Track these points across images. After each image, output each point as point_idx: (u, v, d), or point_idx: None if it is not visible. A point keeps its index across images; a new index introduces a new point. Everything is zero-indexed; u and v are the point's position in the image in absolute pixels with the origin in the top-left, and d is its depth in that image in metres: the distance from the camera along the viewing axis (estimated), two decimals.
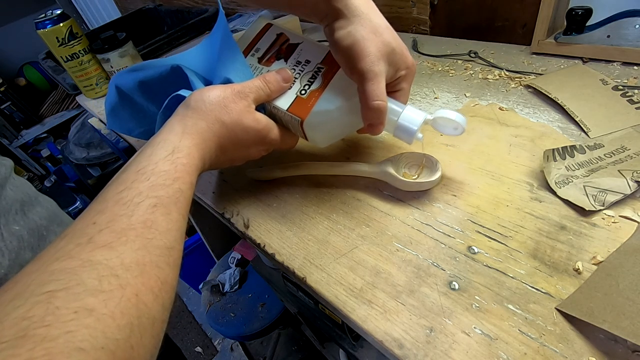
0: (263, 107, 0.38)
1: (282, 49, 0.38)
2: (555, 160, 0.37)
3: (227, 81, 0.36)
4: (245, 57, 0.39)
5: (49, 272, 0.19)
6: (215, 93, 0.33)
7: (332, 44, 0.34)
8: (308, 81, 0.36)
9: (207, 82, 0.38)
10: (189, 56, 0.39)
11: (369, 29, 0.31)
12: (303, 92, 0.36)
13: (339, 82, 0.35)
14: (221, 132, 0.32)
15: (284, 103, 0.36)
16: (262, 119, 0.35)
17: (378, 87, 0.31)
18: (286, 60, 0.38)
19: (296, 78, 0.37)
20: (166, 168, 0.27)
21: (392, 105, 0.35)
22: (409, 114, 0.34)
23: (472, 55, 0.59)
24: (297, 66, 0.37)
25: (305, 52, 0.38)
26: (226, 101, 0.33)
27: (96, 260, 0.20)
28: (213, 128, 0.32)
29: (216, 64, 0.37)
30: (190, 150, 0.30)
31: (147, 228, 0.24)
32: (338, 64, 0.35)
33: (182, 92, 0.35)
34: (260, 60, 0.39)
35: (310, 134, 0.36)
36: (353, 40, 0.31)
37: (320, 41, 0.39)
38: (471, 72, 0.56)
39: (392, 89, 0.36)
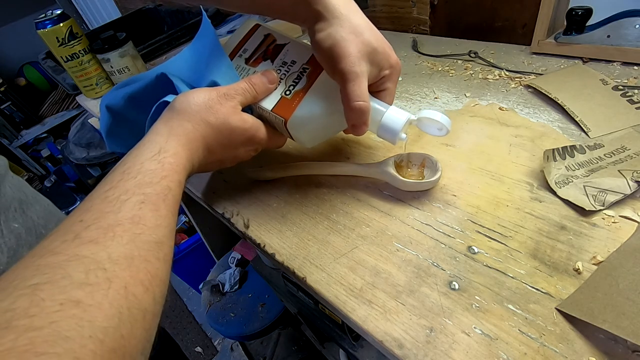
0: (250, 108, 0.38)
1: (269, 50, 0.39)
2: (555, 160, 0.37)
3: (214, 84, 0.36)
4: (233, 58, 0.40)
5: (34, 267, 0.19)
6: (200, 95, 0.33)
7: (313, 46, 0.34)
8: (293, 82, 0.36)
9: (193, 87, 0.38)
10: (174, 64, 0.38)
11: (349, 29, 0.31)
12: (288, 92, 0.36)
13: (323, 83, 0.35)
14: (207, 132, 0.32)
15: (268, 104, 0.36)
16: (249, 118, 0.35)
17: (359, 88, 0.31)
18: (272, 61, 0.38)
19: (281, 79, 0.37)
20: (153, 167, 0.27)
21: (376, 105, 0.35)
22: (393, 114, 0.34)
23: (472, 55, 0.59)
24: (282, 67, 0.37)
25: (291, 53, 0.38)
26: (212, 102, 0.33)
27: (82, 254, 0.20)
28: (199, 129, 0.32)
29: (203, 69, 0.37)
30: (176, 150, 0.30)
31: (135, 224, 0.24)
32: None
33: (168, 97, 0.35)
34: (247, 61, 0.39)
35: (295, 134, 0.37)
36: (333, 42, 0.31)
37: None
38: (471, 72, 0.56)
39: (377, 89, 0.36)
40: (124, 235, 0.23)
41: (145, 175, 0.27)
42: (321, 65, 0.35)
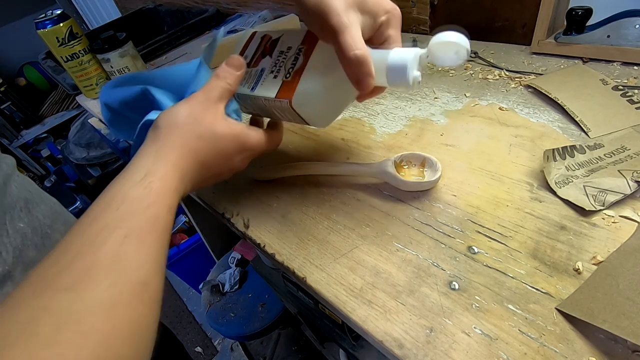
0: (253, 108, 0.38)
1: (267, 47, 0.39)
2: (555, 160, 0.37)
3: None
4: None
5: (2, 323, 0.18)
6: (182, 108, 0.31)
7: (301, 13, 0.32)
8: (291, 64, 0.35)
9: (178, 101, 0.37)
10: (161, 75, 0.37)
11: None
12: (288, 75, 0.35)
13: (320, 54, 0.34)
14: (199, 146, 0.31)
15: (271, 92, 0.35)
16: (235, 124, 0.33)
17: (352, 38, 0.29)
18: (271, 55, 0.38)
19: (281, 66, 0.36)
20: (138, 194, 0.25)
21: (378, 53, 0.31)
22: (398, 52, 0.30)
23: (472, 55, 0.59)
24: (280, 56, 0.37)
25: (286, 41, 0.37)
26: (195, 112, 0.31)
27: (54, 306, 0.19)
28: (189, 143, 0.30)
29: (188, 83, 0.36)
30: (165, 171, 0.27)
31: (116, 263, 0.21)
32: (317, 38, 0.34)
33: (151, 115, 0.34)
34: (249, 65, 0.39)
35: (303, 112, 0.35)
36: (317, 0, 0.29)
37: None
38: (471, 72, 0.56)
39: (379, 41, 0.33)
40: (103, 279, 0.21)
41: (129, 204, 0.24)
42: (316, 39, 0.34)
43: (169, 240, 0.26)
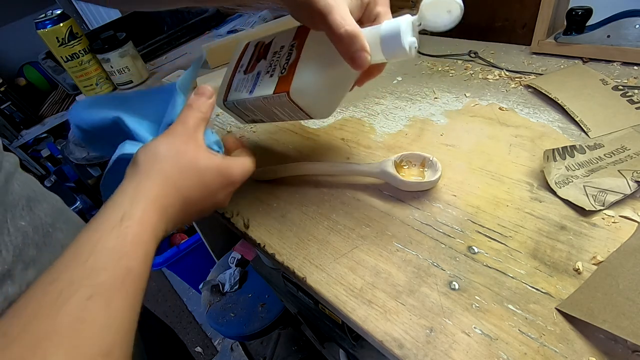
0: (252, 112, 0.38)
1: (260, 52, 0.39)
2: (555, 160, 0.37)
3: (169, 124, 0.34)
4: (234, 76, 0.40)
5: None
6: (162, 141, 0.30)
7: (291, 8, 0.32)
8: (285, 60, 0.36)
9: (153, 130, 0.36)
10: (145, 96, 0.37)
11: None
12: (283, 71, 0.35)
13: (312, 44, 0.35)
14: (182, 180, 0.29)
15: (268, 89, 0.36)
16: (216, 157, 0.33)
17: (340, 16, 0.28)
18: (265, 58, 0.38)
19: (275, 65, 0.36)
20: (111, 244, 0.23)
21: (370, 29, 0.31)
22: (390, 23, 0.30)
23: (472, 55, 0.59)
24: (274, 56, 0.37)
25: (279, 42, 0.38)
26: (176, 145, 0.30)
27: None
28: (172, 178, 0.28)
29: (162, 112, 0.36)
30: (144, 212, 0.26)
31: (76, 330, 0.19)
32: (308, 30, 0.34)
33: (126, 148, 0.33)
34: (245, 71, 0.39)
35: (303, 103, 0.35)
36: None
37: None
38: (471, 72, 0.56)
39: (369, 20, 0.33)
40: (58, 350, 0.18)
41: (99, 257, 0.22)
42: (306, 30, 0.34)
43: (142, 292, 0.24)
